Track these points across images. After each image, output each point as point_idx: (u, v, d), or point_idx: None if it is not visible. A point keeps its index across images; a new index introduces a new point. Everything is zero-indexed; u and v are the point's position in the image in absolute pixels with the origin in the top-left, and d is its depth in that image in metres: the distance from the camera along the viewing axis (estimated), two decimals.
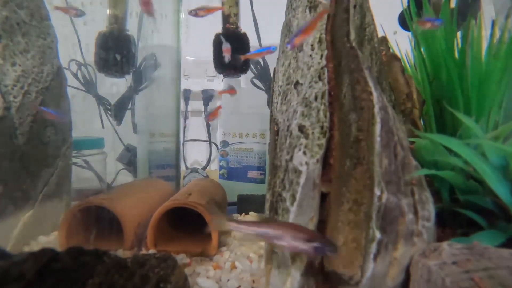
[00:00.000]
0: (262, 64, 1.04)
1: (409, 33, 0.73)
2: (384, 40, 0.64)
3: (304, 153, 0.45)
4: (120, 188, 0.81)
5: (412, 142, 0.53)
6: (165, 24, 1.05)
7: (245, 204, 0.90)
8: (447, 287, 0.34)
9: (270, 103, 0.66)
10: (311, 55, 0.52)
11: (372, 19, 0.57)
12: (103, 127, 1.10)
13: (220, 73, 0.98)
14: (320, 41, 0.52)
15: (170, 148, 1.05)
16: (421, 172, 0.45)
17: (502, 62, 0.57)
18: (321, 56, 0.51)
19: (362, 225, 0.41)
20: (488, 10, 0.84)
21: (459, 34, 0.64)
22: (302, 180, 0.44)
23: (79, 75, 1.05)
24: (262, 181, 1.01)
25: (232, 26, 0.96)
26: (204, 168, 1.34)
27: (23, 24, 0.68)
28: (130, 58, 0.96)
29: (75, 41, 1.05)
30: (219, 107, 0.69)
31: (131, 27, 0.99)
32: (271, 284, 0.44)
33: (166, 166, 1.04)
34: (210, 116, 0.65)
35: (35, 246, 0.67)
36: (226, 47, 0.75)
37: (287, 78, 0.55)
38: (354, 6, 0.53)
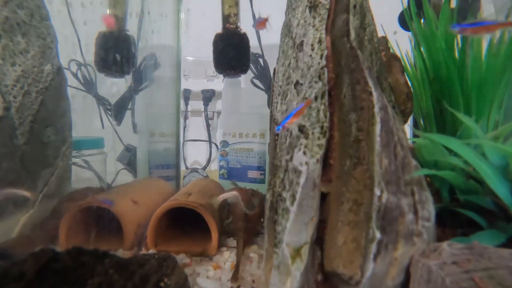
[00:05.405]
0: (262, 64, 1.03)
1: (409, 33, 0.73)
2: (384, 40, 0.64)
3: (304, 153, 0.45)
4: (120, 188, 0.81)
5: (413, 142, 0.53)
6: (165, 24, 1.05)
7: None
8: (447, 287, 0.34)
9: (270, 103, 0.66)
10: (311, 55, 0.52)
11: (372, 19, 0.57)
12: (103, 127, 1.10)
13: (220, 73, 0.98)
14: (320, 41, 0.52)
15: (170, 148, 1.05)
16: (421, 172, 0.45)
17: (502, 62, 0.57)
18: (321, 56, 0.51)
19: (362, 225, 0.41)
20: (488, 10, 0.84)
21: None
22: (302, 180, 0.44)
23: (79, 75, 1.05)
24: (262, 181, 1.01)
25: (232, 26, 0.96)
26: (204, 168, 1.34)
27: (23, 24, 0.68)
28: (130, 58, 0.96)
29: (75, 41, 1.05)
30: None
31: (131, 27, 0.99)
32: (271, 284, 0.44)
33: (166, 166, 1.04)
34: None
35: None
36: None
37: (287, 78, 0.55)
38: (354, 6, 0.53)
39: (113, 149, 1.14)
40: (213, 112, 1.47)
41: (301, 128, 0.47)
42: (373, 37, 0.56)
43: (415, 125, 0.75)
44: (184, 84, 1.41)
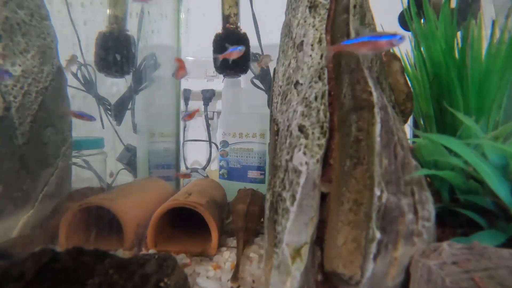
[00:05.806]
0: None
1: (409, 33, 0.73)
2: None
3: (304, 153, 0.45)
4: (120, 188, 0.81)
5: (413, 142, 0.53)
6: (165, 24, 1.05)
7: None
8: (447, 287, 0.34)
9: (270, 103, 0.66)
10: (311, 55, 0.52)
11: (372, 19, 0.57)
12: (103, 127, 1.10)
13: (220, 73, 0.98)
14: (320, 41, 0.52)
15: (170, 148, 1.05)
16: (421, 172, 0.45)
17: (502, 62, 0.57)
18: (321, 56, 0.51)
19: (362, 225, 0.41)
20: (488, 10, 0.84)
21: (459, 34, 0.64)
22: (302, 180, 0.44)
23: (79, 75, 1.05)
24: (262, 181, 1.01)
25: (232, 26, 0.96)
26: (204, 168, 1.34)
27: (23, 24, 0.68)
28: (130, 58, 0.96)
29: (75, 41, 1.05)
30: (197, 110, 0.73)
31: (131, 27, 0.99)
32: (271, 284, 0.44)
33: (166, 166, 1.04)
34: (188, 117, 0.68)
35: None
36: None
37: (287, 78, 0.55)
38: (354, 6, 0.53)
39: (113, 149, 1.14)
40: (213, 112, 1.47)
41: (301, 128, 0.47)
42: None
43: (415, 125, 0.75)
44: (184, 84, 1.41)
